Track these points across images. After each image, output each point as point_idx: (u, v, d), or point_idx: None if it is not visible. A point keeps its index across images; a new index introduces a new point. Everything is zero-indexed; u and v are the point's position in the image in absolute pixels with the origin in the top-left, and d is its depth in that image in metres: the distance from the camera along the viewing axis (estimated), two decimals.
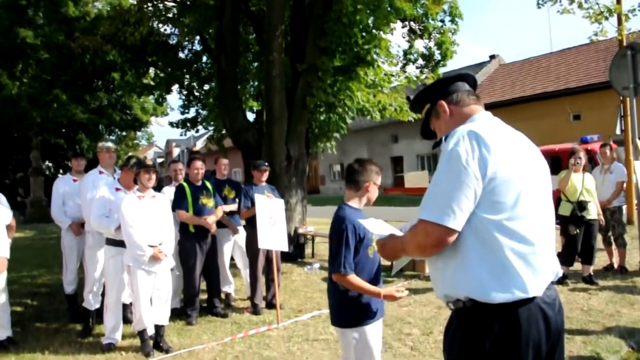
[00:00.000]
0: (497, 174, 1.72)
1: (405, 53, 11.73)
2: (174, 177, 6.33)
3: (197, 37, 12.40)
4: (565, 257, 6.45)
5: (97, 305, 5.37)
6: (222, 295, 6.31)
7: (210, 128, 14.96)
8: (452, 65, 52.83)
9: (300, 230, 8.98)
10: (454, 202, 1.70)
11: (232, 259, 6.60)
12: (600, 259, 7.30)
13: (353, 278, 2.87)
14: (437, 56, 11.53)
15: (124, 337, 5.04)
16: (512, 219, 1.73)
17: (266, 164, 6.43)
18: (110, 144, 5.77)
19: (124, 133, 27.00)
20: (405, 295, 3.00)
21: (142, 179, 4.74)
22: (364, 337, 2.91)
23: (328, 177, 35.29)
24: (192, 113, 14.61)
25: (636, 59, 7.81)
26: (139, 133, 28.83)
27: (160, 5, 11.77)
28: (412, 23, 11.26)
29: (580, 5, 9.00)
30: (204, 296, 6.08)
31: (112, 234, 4.90)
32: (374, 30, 9.09)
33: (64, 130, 25.04)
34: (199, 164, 5.88)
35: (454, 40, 11.39)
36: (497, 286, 1.71)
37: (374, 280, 3.01)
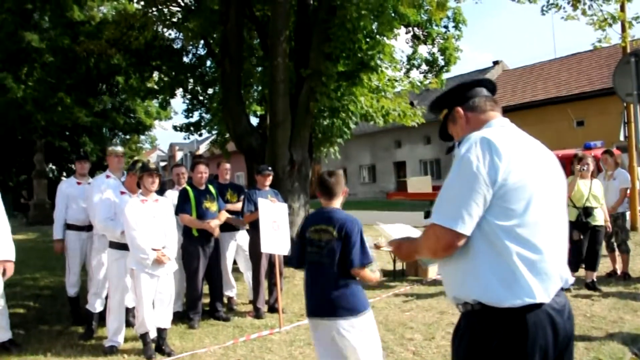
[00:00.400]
0: (508, 180, 1.75)
1: (409, 59, 11.76)
2: (176, 181, 6.35)
3: (202, 42, 12.47)
4: (570, 263, 6.43)
5: (101, 308, 5.38)
6: (225, 299, 6.32)
7: (214, 132, 15.01)
8: (456, 71, 52.90)
9: None
10: (463, 208, 1.74)
11: (234, 262, 6.61)
12: (603, 265, 7.28)
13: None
14: (441, 62, 11.54)
15: (126, 340, 5.04)
16: (522, 226, 1.76)
17: (270, 168, 6.44)
18: (119, 149, 5.79)
19: (128, 136, 27.10)
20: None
21: (145, 183, 4.76)
22: (372, 317, 3.26)
23: None
24: (195, 117, 14.69)
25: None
26: (142, 137, 28.94)
27: (165, 10, 11.84)
28: (415, 29, 11.28)
29: (584, 12, 9.00)
30: (206, 300, 6.09)
31: (117, 237, 4.91)
32: (377, 36, 9.11)
33: (67, 133, 25.15)
34: (202, 168, 5.90)
35: (458, 46, 11.41)
36: (505, 291, 1.74)
37: None
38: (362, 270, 3.13)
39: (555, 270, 1.82)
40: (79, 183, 5.94)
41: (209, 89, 13.78)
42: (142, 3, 12.04)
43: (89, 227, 5.77)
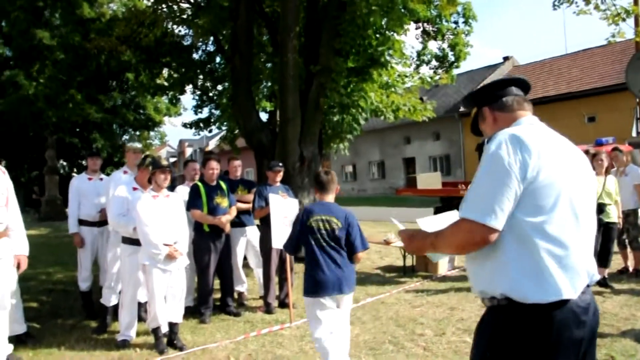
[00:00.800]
0: (537, 177, 1.77)
1: (419, 54, 11.71)
2: (191, 177, 6.37)
3: (211, 38, 12.47)
4: None
5: (115, 302, 5.43)
6: (235, 295, 6.36)
7: (224, 128, 15.04)
8: (466, 66, 52.58)
9: None
10: (496, 203, 1.76)
11: (245, 258, 6.64)
12: (615, 262, 7.24)
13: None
14: (451, 58, 11.47)
15: (138, 334, 5.09)
16: (550, 222, 1.78)
17: (280, 164, 6.46)
18: (138, 145, 5.88)
19: (137, 133, 27.20)
20: None
21: (157, 179, 4.79)
22: None
23: (340, 177, 35.31)
24: (205, 113, 14.70)
25: None
26: (152, 133, 29.03)
27: (175, 7, 11.86)
28: (425, 24, 11.22)
29: (596, 7, 8.93)
30: (216, 295, 6.13)
31: (130, 232, 4.96)
32: (387, 32, 9.09)
33: (78, 129, 25.29)
34: (214, 164, 5.92)
35: (468, 42, 11.34)
36: (532, 287, 1.76)
37: None
38: (362, 254, 3.85)
39: (582, 266, 1.84)
40: (90, 179, 6.00)
41: (219, 85, 13.79)
42: (152, 0, 12.08)
43: (100, 223, 5.84)
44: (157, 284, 4.69)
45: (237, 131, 13.10)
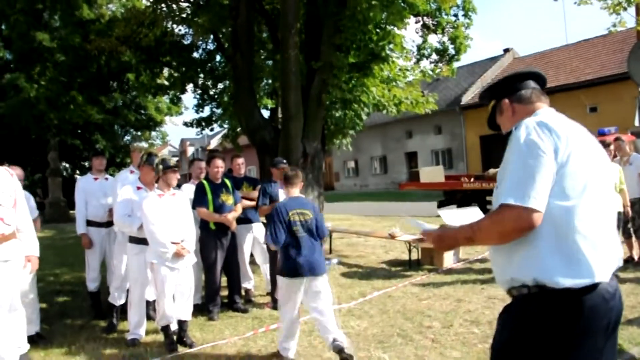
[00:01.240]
0: (568, 161, 1.82)
1: (419, 48, 11.69)
2: (197, 175, 6.40)
3: (211, 37, 12.46)
4: None
5: (122, 301, 5.47)
6: (242, 291, 6.38)
7: (225, 126, 15.05)
8: (466, 59, 52.50)
9: None
10: (537, 186, 1.78)
11: (251, 255, 6.67)
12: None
13: None
14: (451, 51, 11.46)
15: (147, 332, 5.13)
16: (582, 206, 1.81)
17: (284, 161, 6.48)
18: (144, 145, 5.90)
19: (139, 133, 27.24)
20: None
21: (169, 179, 4.83)
22: None
23: (342, 173, 35.34)
24: (206, 112, 14.72)
25: None
26: (153, 133, 29.06)
27: (174, 6, 11.84)
28: (425, 18, 11.20)
29: None
30: (224, 292, 6.16)
31: (135, 232, 4.99)
32: (387, 26, 9.09)
33: (79, 131, 25.34)
34: (219, 162, 5.94)
35: (468, 35, 11.32)
36: (566, 270, 1.78)
37: None
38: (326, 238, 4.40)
39: (612, 250, 1.87)
40: (96, 179, 6.02)
41: (219, 84, 13.79)
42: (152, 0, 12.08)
43: (108, 223, 5.86)
44: (166, 282, 4.72)
45: (239, 129, 13.11)
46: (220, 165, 5.95)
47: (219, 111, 14.32)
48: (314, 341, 4.76)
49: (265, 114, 12.55)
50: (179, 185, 6.00)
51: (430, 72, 11.18)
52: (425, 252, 7.86)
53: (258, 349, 4.64)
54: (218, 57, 13.29)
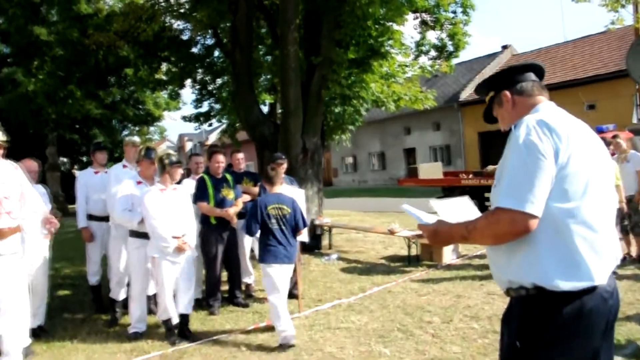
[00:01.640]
0: (568, 162, 1.77)
1: (418, 44, 11.71)
2: (194, 170, 6.41)
3: (210, 32, 12.46)
4: None
5: (124, 296, 5.49)
6: (243, 286, 6.41)
7: (224, 121, 15.06)
8: (465, 55, 52.49)
9: (317, 222, 9.05)
10: (535, 189, 1.74)
11: (251, 250, 6.69)
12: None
13: None
14: (450, 47, 11.47)
15: (149, 326, 5.15)
16: (582, 207, 1.77)
17: (283, 156, 6.51)
18: (136, 139, 5.97)
19: (137, 128, 27.20)
20: None
21: (174, 175, 4.88)
22: None
23: (341, 169, 35.35)
24: (205, 107, 14.72)
25: None
26: (151, 128, 29.04)
27: (173, 1, 11.84)
28: (424, 14, 11.21)
29: None
30: (224, 287, 6.18)
31: (135, 226, 5.00)
32: (386, 22, 9.10)
33: (77, 126, 25.28)
34: (220, 157, 5.96)
35: (466, 32, 11.33)
36: (565, 274, 1.76)
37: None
38: (304, 230, 5.00)
39: (611, 250, 1.86)
40: (96, 173, 6.02)
41: (218, 79, 13.81)
42: None
43: (108, 217, 5.86)
44: (167, 276, 4.74)
45: (237, 124, 13.12)
46: (221, 160, 5.97)
47: (217, 106, 14.34)
48: (314, 335, 4.79)
49: (264, 109, 12.57)
50: (179, 181, 6.01)
51: (429, 68, 11.21)
52: (424, 248, 7.89)
53: (259, 343, 4.66)
54: (217, 53, 13.31)
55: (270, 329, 4.99)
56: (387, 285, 6.51)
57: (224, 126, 15.76)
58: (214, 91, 14.02)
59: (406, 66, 11.11)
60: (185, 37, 13.25)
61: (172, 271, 4.78)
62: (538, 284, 1.79)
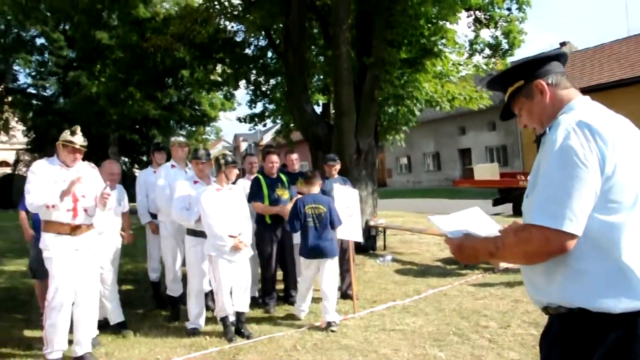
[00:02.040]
0: (615, 171, 1.54)
1: (472, 43, 11.47)
2: (249, 170, 6.53)
3: (263, 33, 12.65)
4: None
5: (180, 292, 5.65)
6: (297, 286, 6.46)
7: (278, 122, 15.22)
8: (520, 53, 50.93)
9: (372, 223, 9.01)
10: (574, 204, 1.51)
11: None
12: None
13: None
14: (505, 45, 11.16)
15: (207, 322, 5.28)
16: (631, 220, 1.54)
17: (335, 157, 6.54)
18: (182, 139, 6.17)
19: (194, 128, 27.91)
20: None
21: (230, 175, 5.02)
22: None
23: (395, 170, 35.08)
24: (259, 108, 14.93)
25: None
26: (207, 128, 29.71)
27: (227, 3, 12.11)
28: (477, 12, 10.97)
29: None
30: (279, 286, 6.26)
31: (192, 225, 5.15)
32: (439, 21, 8.98)
33: (137, 126, 26.19)
34: (274, 157, 6.04)
35: (522, 29, 10.98)
36: (615, 295, 1.53)
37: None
38: (339, 228, 5.39)
39: None
40: (155, 172, 6.23)
41: (272, 80, 13.97)
42: None
43: (158, 215, 6.03)
44: (224, 275, 4.85)
45: (291, 125, 13.25)
46: (275, 160, 6.05)
47: (271, 107, 14.51)
48: (369, 337, 4.78)
49: (317, 109, 12.63)
50: (234, 180, 6.14)
51: (484, 67, 10.95)
52: None
53: (314, 342, 4.70)
54: (270, 54, 13.48)
55: (324, 328, 5.03)
56: (442, 287, 6.42)
57: (278, 126, 15.92)
58: (268, 92, 14.19)
59: (460, 65, 10.90)
60: (239, 39, 13.52)
61: (229, 269, 4.89)
62: (585, 307, 1.58)
